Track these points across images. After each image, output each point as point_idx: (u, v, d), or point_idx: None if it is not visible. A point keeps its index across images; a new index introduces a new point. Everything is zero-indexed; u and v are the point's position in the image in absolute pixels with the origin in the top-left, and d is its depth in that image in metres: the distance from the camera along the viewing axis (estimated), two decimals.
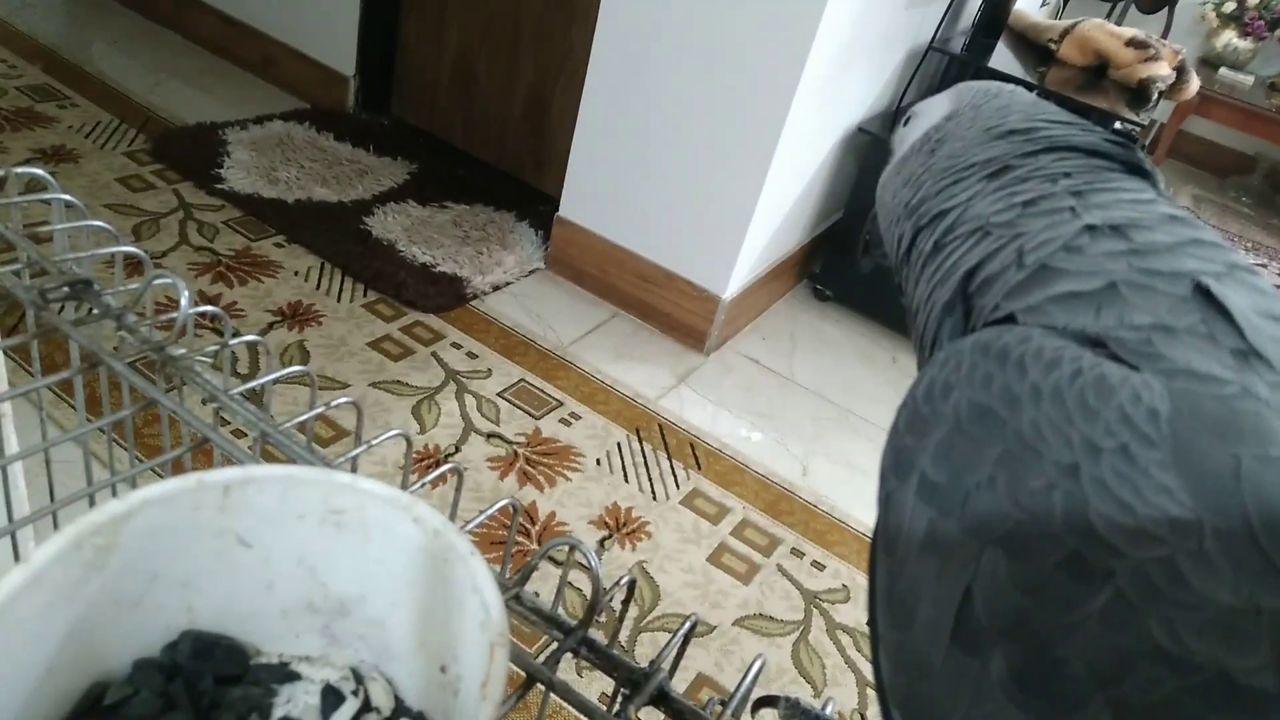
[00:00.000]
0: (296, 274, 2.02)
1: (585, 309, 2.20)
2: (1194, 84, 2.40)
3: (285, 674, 0.38)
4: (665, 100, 1.99)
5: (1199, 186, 4.54)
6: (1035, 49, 2.50)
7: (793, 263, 2.41)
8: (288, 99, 2.80)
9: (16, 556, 0.63)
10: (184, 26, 2.97)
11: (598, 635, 0.44)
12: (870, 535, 0.47)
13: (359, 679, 0.39)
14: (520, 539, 1.52)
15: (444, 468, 0.52)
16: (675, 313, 2.15)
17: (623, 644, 1.39)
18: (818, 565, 1.64)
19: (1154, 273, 0.41)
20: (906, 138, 0.60)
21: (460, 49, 2.59)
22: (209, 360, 0.54)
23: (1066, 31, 2.42)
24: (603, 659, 0.44)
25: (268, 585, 0.38)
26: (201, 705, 0.36)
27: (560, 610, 0.45)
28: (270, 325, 1.85)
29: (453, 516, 0.50)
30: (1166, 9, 3.37)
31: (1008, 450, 0.37)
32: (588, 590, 1.41)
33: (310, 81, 2.79)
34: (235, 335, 0.55)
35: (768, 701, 0.51)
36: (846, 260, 2.41)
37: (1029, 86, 2.06)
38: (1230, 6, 4.24)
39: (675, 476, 1.75)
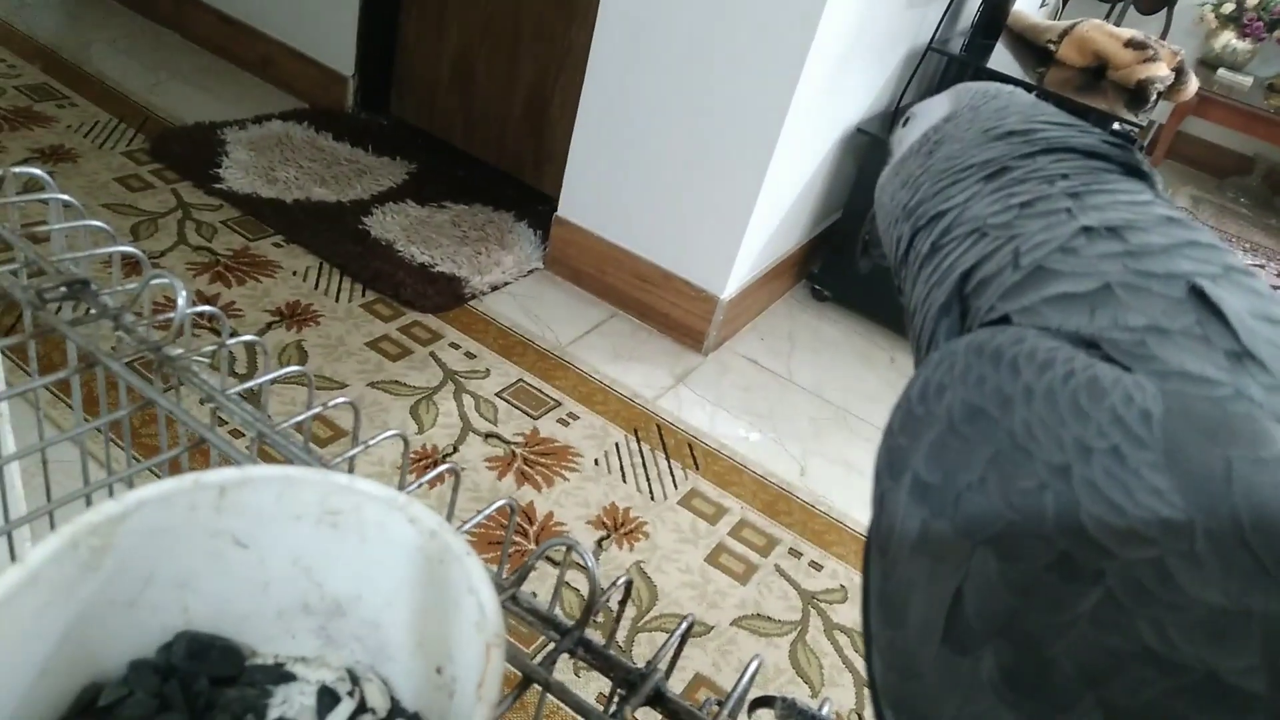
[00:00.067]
0: (295, 274, 2.02)
1: (584, 309, 2.20)
2: (1192, 85, 2.40)
3: (281, 675, 0.38)
4: (664, 101, 1.99)
5: (1197, 187, 4.54)
6: (1034, 50, 2.50)
7: (791, 263, 2.41)
8: (287, 98, 2.80)
9: (13, 556, 0.63)
10: (183, 26, 2.97)
11: (596, 635, 0.44)
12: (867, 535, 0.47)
13: (355, 680, 0.39)
14: (518, 539, 1.52)
15: (441, 468, 0.52)
16: (673, 313, 2.15)
17: (620, 644, 1.39)
18: (815, 565, 1.64)
19: (1149, 274, 0.41)
20: (905, 139, 0.60)
21: (460, 49, 2.59)
22: (206, 360, 0.54)
23: (1065, 32, 2.42)
24: (599, 659, 0.44)
25: (263, 586, 0.38)
26: (197, 706, 0.36)
27: (558, 610, 0.45)
28: (269, 325, 1.85)
29: (450, 517, 0.50)
30: (1165, 10, 3.38)
31: (999, 451, 0.37)
32: (585, 590, 1.41)
33: (309, 81, 2.79)
34: (233, 335, 0.55)
35: (764, 702, 0.51)
36: (845, 261, 2.41)
37: (1028, 87, 2.06)
38: (1229, 7, 4.24)
39: (673, 476, 1.75)
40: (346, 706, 0.37)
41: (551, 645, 0.43)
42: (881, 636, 0.41)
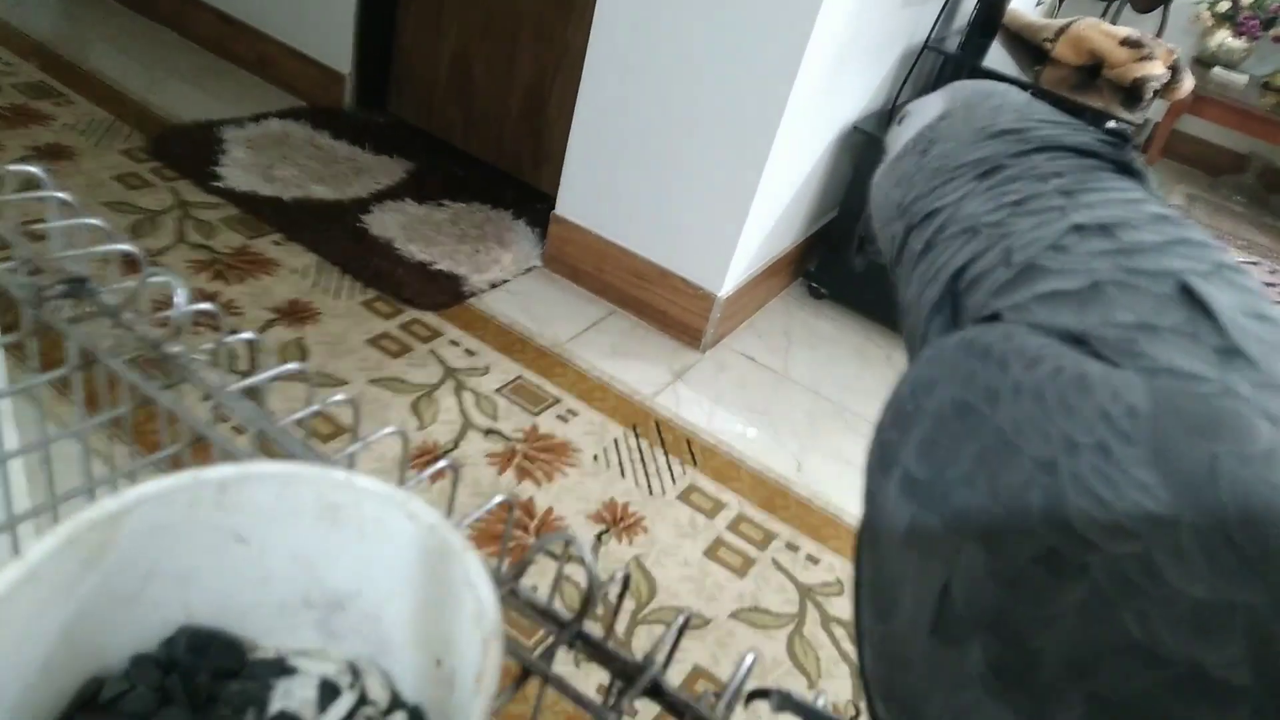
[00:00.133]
0: (294, 272, 2.02)
1: (582, 306, 2.20)
2: (1188, 83, 2.40)
3: (282, 668, 0.39)
4: (661, 99, 1.99)
5: (1192, 185, 4.55)
6: (1030, 48, 2.50)
7: (788, 261, 2.41)
8: (285, 97, 2.80)
9: (17, 552, 0.63)
10: (181, 24, 2.97)
11: (595, 629, 0.44)
12: None
13: (355, 673, 0.39)
14: (519, 533, 1.53)
15: (441, 463, 0.52)
16: (671, 310, 2.16)
17: (620, 637, 1.40)
18: (812, 559, 1.65)
19: (1139, 271, 0.41)
20: (900, 137, 0.60)
21: (458, 48, 2.59)
22: (207, 357, 0.55)
23: (1061, 31, 2.42)
24: (598, 652, 0.44)
25: (264, 581, 0.39)
26: (198, 700, 0.36)
27: (558, 604, 0.46)
28: (269, 323, 1.85)
29: (450, 512, 0.50)
30: (1161, 8, 3.38)
31: (987, 446, 0.37)
32: (585, 584, 1.41)
33: (307, 80, 2.79)
34: (233, 333, 0.55)
35: (761, 694, 0.52)
36: (841, 258, 2.41)
37: (1024, 86, 2.06)
38: (1224, 6, 4.24)
39: (671, 472, 1.76)
40: (347, 699, 0.37)
41: (551, 638, 0.44)
42: (872, 629, 0.41)
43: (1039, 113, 0.54)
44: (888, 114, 2.37)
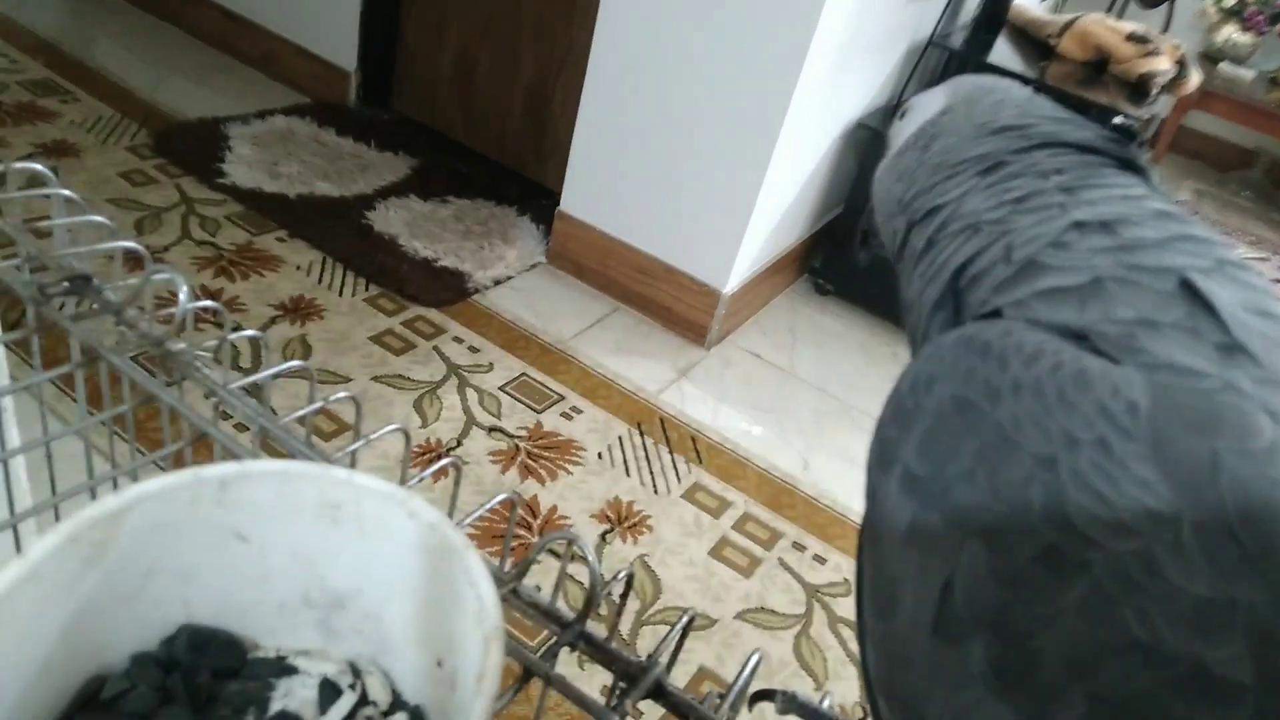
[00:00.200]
0: (298, 269, 2.02)
1: (586, 303, 2.20)
2: (1194, 79, 2.39)
3: (282, 668, 0.38)
4: (665, 95, 1.98)
5: (1200, 181, 4.53)
6: (1035, 44, 2.49)
7: (793, 257, 2.41)
8: (289, 94, 2.80)
9: (19, 549, 0.63)
10: (185, 21, 2.97)
11: (599, 629, 0.44)
12: None
13: (356, 672, 0.39)
14: (522, 532, 1.53)
15: (443, 461, 0.52)
16: (676, 307, 2.15)
17: (625, 638, 1.39)
18: (819, 559, 1.64)
19: (1140, 268, 0.41)
20: (902, 132, 0.60)
21: (461, 44, 2.59)
22: (210, 355, 0.55)
23: (1067, 26, 2.41)
24: (600, 652, 0.44)
25: (264, 579, 0.39)
26: (199, 699, 0.36)
27: (561, 604, 0.45)
28: (272, 320, 1.85)
29: (452, 511, 0.50)
30: (1167, 4, 3.36)
31: (987, 443, 0.37)
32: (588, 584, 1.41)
33: (312, 76, 2.79)
34: (236, 330, 0.55)
35: (765, 695, 0.52)
36: (847, 255, 2.41)
37: (1028, 82, 2.05)
38: (1231, 1, 4.22)
39: (676, 470, 1.75)
40: (348, 699, 0.37)
41: (553, 639, 0.44)
42: (874, 627, 0.41)
43: (1040, 108, 0.54)
44: (892, 110, 2.36)
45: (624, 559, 1.53)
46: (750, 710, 0.50)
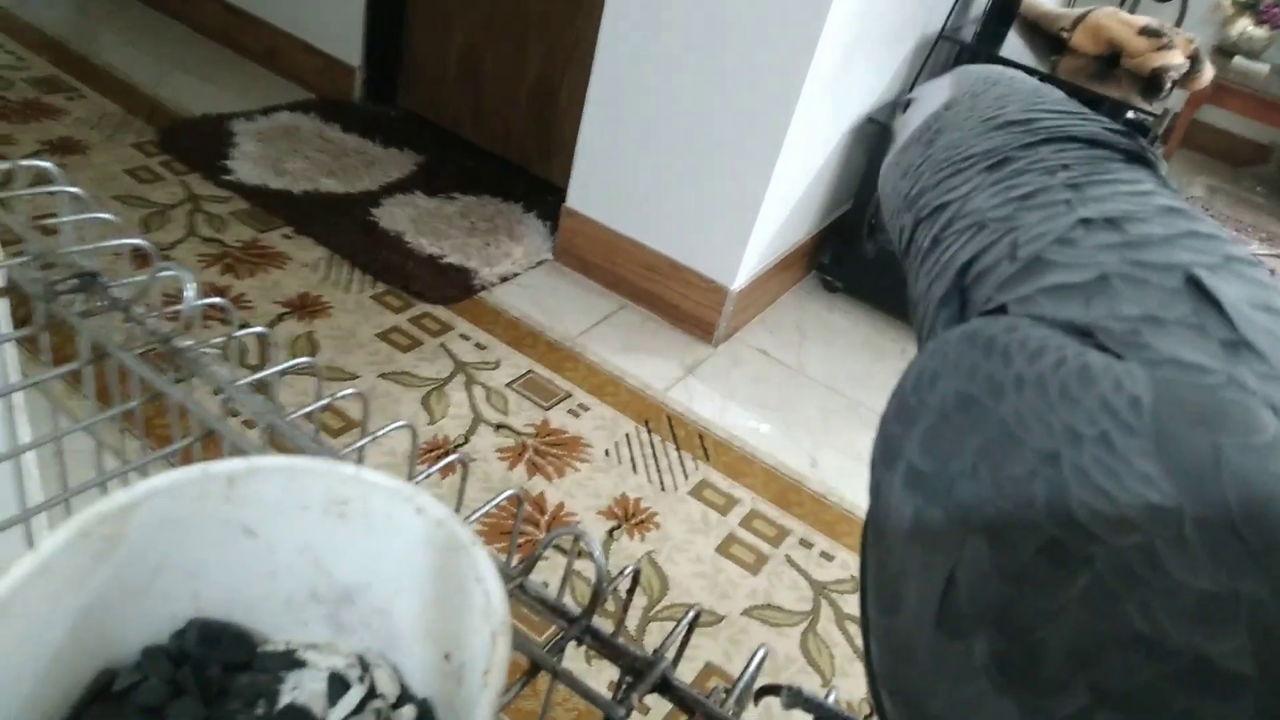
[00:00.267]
0: (305, 265, 2.03)
1: (593, 300, 2.20)
2: (1208, 73, 2.38)
3: (292, 661, 0.39)
4: (672, 90, 1.98)
5: (1213, 176, 4.50)
6: (1047, 37, 2.48)
7: (801, 254, 2.40)
8: (294, 90, 2.81)
9: (31, 544, 0.63)
10: (190, 17, 2.98)
11: (606, 624, 0.44)
12: None
13: (365, 666, 0.39)
14: (529, 528, 1.53)
15: (450, 458, 0.52)
16: (683, 304, 2.15)
17: (632, 634, 1.40)
18: (826, 556, 1.64)
19: (1146, 265, 0.41)
20: (907, 124, 0.59)
21: (467, 39, 2.59)
22: (217, 351, 0.55)
23: (1079, 20, 2.40)
24: (607, 647, 0.44)
25: (272, 574, 0.39)
26: (209, 692, 0.36)
27: (568, 599, 0.46)
28: (279, 316, 1.85)
29: (459, 507, 0.50)
30: None
31: (991, 439, 0.37)
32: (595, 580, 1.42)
33: (317, 72, 2.79)
34: (243, 327, 0.55)
35: (770, 690, 0.52)
36: (855, 251, 2.40)
37: (1040, 76, 2.05)
38: None
39: (684, 467, 1.75)
40: (356, 692, 0.37)
41: (560, 634, 0.44)
42: (878, 622, 0.41)
43: (1045, 102, 0.53)
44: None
45: (631, 555, 1.53)
46: (756, 705, 0.50)
